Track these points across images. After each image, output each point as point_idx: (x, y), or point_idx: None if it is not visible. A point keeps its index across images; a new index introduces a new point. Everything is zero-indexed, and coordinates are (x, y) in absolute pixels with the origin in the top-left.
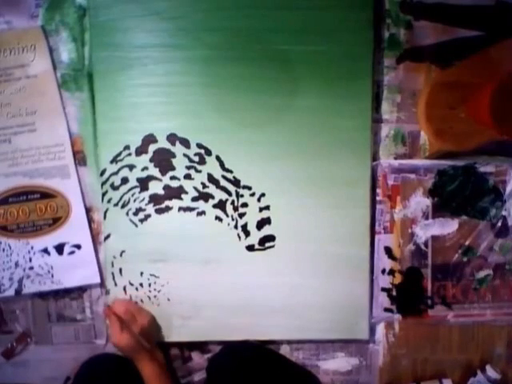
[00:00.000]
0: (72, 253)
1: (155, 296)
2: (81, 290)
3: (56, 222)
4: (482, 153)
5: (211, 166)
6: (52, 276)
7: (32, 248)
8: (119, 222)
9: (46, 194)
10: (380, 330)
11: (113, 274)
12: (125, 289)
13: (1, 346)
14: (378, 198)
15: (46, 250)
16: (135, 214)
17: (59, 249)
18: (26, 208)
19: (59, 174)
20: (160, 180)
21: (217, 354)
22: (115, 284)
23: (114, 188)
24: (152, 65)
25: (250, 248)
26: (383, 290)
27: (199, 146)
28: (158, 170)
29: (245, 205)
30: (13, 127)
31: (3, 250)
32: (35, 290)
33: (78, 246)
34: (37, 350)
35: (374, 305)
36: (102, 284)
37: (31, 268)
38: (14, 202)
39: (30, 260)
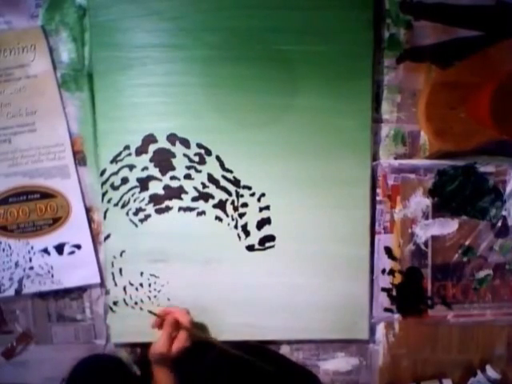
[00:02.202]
0: (72, 253)
1: (155, 296)
2: (81, 290)
3: (56, 221)
4: (482, 153)
5: (211, 166)
6: (52, 276)
7: (32, 248)
8: (119, 222)
9: (46, 194)
10: (380, 330)
11: (113, 273)
12: (125, 289)
13: (1, 346)
14: (378, 198)
15: (46, 250)
16: (135, 214)
17: (59, 249)
18: (26, 208)
19: (59, 174)
20: (160, 180)
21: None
22: (115, 284)
23: (114, 188)
24: (152, 65)
25: (250, 248)
26: (383, 290)
27: (199, 145)
28: (158, 170)
29: (245, 205)
30: (13, 127)
31: (3, 250)
32: (35, 290)
33: (78, 246)
34: (37, 349)
35: (374, 305)
36: (102, 284)
37: (31, 268)
38: (14, 202)
39: (30, 260)
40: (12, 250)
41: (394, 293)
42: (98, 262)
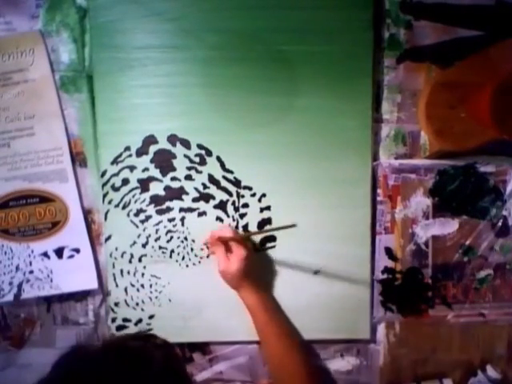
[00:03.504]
0: (71, 257)
1: (156, 297)
2: (85, 292)
3: (55, 225)
4: (482, 153)
5: (212, 167)
6: (51, 281)
7: (32, 252)
8: (120, 223)
9: (45, 198)
10: (381, 330)
11: (114, 275)
12: (126, 290)
13: (4, 351)
14: (378, 199)
15: (45, 254)
16: (136, 214)
17: (59, 252)
18: (26, 212)
19: (57, 178)
20: (161, 181)
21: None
22: (116, 285)
23: (115, 189)
24: (152, 66)
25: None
26: (384, 290)
27: (200, 146)
28: (158, 170)
29: (246, 205)
30: (11, 131)
31: (5, 253)
32: (34, 295)
33: (77, 250)
34: (40, 353)
35: (375, 305)
36: (101, 288)
37: (31, 272)
38: (14, 206)
39: (31, 264)
40: (13, 254)
41: (395, 293)
42: (96, 267)
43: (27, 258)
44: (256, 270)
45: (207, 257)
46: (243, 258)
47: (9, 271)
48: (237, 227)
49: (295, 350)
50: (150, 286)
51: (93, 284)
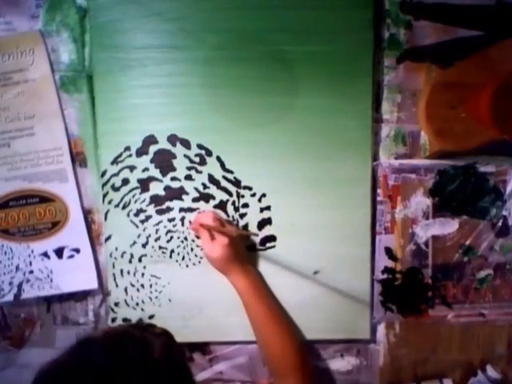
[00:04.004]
0: (71, 257)
1: (156, 297)
2: (85, 292)
3: (55, 225)
4: (482, 153)
5: (212, 167)
6: (51, 281)
7: (32, 252)
8: (120, 223)
9: (45, 198)
10: (381, 330)
11: (114, 275)
12: (126, 290)
13: (4, 351)
14: (378, 199)
15: (46, 254)
16: (136, 214)
17: (59, 252)
18: (26, 212)
19: (57, 178)
20: (161, 181)
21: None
22: (116, 285)
23: (115, 189)
24: (152, 66)
25: (251, 248)
26: (384, 290)
27: (200, 146)
28: (158, 170)
29: (246, 205)
30: (12, 131)
31: (5, 253)
32: (34, 295)
33: (77, 250)
34: (40, 353)
35: (375, 305)
36: (101, 289)
37: (31, 272)
38: (14, 206)
39: (31, 264)
40: (13, 254)
41: (395, 293)
42: (96, 267)
43: (27, 257)
44: (243, 253)
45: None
46: (225, 244)
47: (9, 271)
48: (237, 227)
49: (286, 331)
50: (150, 285)
51: (93, 284)
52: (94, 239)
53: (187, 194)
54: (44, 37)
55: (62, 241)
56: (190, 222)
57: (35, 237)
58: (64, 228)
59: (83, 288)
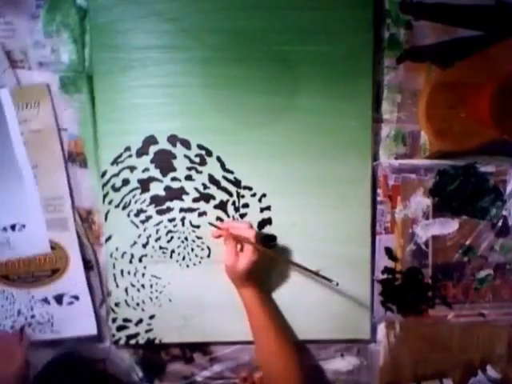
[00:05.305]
0: (71, 303)
1: (157, 297)
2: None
3: (55, 273)
4: (482, 153)
5: (212, 167)
6: (52, 325)
7: (33, 297)
8: (120, 224)
9: None
10: (381, 330)
11: (114, 275)
12: (126, 290)
13: None
14: (378, 199)
15: (46, 300)
16: (136, 215)
17: (58, 299)
18: (26, 259)
19: (58, 227)
20: (161, 181)
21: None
22: (117, 285)
23: (115, 189)
24: (153, 66)
25: None
26: (384, 290)
27: (200, 146)
28: (158, 171)
29: (246, 205)
30: None
31: (6, 298)
32: (35, 339)
33: (76, 297)
34: (40, 352)
35: (375, 305)
36: (102, 289)
37: (33, 316)
38: None
39: (32, 309)
40: (15, 299)
41: (395, 293)
42: (95, 314)
43: (28, 303)
44: (260, 272)
45: (208, 256)
46: (252, 260)
47: (10, 315)
48: None
49: (289, 351)
50: (151, 286)
51: (92, 330)
52: (93, 242)
53: (187, 194)
54: (50, 91)
55: (61, 288)
56: (215, 226)
57: (35, 283)
58: (63, 275)
59: (83, 334)
